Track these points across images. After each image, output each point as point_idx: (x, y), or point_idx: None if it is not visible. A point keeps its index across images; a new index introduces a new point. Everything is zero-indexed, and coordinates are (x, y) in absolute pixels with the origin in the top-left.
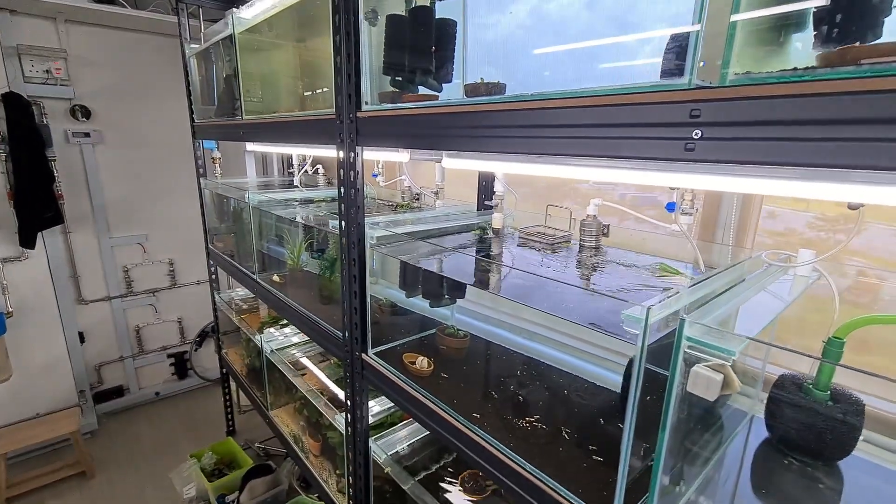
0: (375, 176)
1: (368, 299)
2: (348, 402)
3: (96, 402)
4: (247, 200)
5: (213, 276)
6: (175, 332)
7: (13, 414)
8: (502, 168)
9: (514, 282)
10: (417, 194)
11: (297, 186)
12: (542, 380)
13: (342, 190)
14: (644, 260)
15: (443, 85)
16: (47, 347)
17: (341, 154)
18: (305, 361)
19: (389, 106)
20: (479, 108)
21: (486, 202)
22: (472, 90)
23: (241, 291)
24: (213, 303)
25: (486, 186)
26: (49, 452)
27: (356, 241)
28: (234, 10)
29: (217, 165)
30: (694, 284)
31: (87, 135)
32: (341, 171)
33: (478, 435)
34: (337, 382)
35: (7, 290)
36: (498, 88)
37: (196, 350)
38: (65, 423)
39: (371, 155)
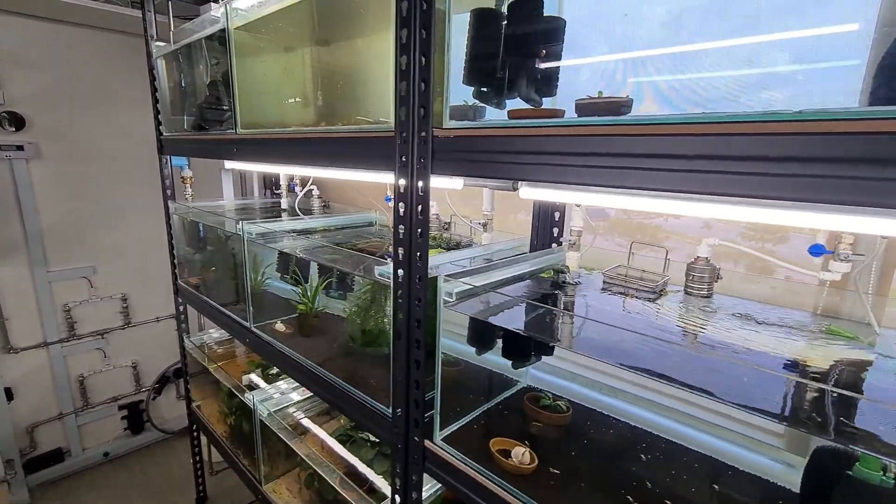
0: (389, 200)
1: (439, 371)
2: (396, 498)
3: (28, 471)
4: (240, 231)
5: (182, 317)
6: (129, 378)
7: None
8: (585, 199)
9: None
10: (447, 224)
11: (285, 210)
12: (674, 465)
13: (402, 229)
14: (789, 316)
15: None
16: None
17: (402, 182)
18: (308, 424)
19: (498, 122)
20: (611, 130)
21: (561, 239)
22: (587, 107)
23: (215, 333)
24: (182, 348)
25: (546, 217)
26: None
27: (420, 297)
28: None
29: (188, 186)
30: None
31: (19, 147)
32: (401, 204)
33: None
34: (371, 464)
35: None
36: (621, 106)
37: (154, 398)
38: None
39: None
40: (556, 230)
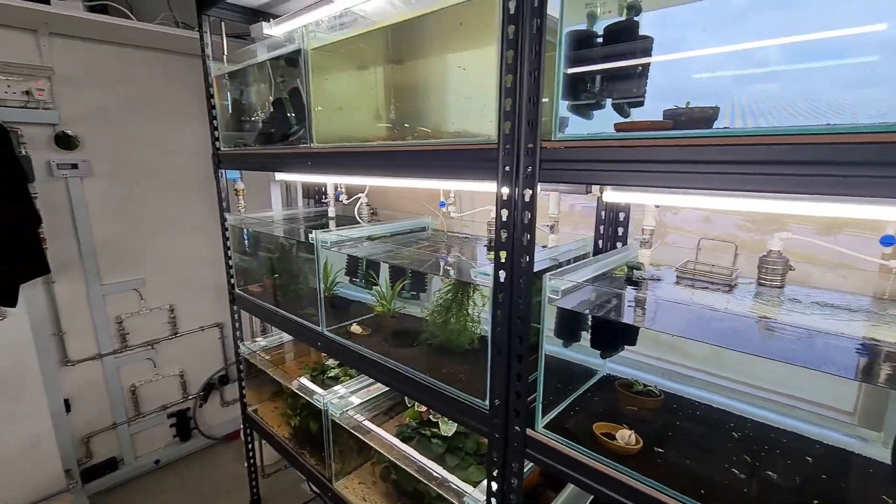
0: (443, 206)
1: (543, 365)
2: (493, 485)
3: (85, 480)
4: (314, 240)
5: (237, 325)
6: (176, 387)
7: None
8: (663, 200)
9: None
10: None
11: (332, 218)
12: (764, 442)
13: (504, 234)
14: (868, 303)
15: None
16: (28, 423)
17: (505, 190)
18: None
19: (607, 134)
20: (705, 141)
21: (635, 237)
22: (675, 116)
23: (262, 341)
24: (237, 354)
25: (612, 219)
26: None
27: (522, 296)
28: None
29: (241, 198)
30: None
31: (74, 166)
32: (504, 210)
33: None
34: (442, 459)
35: None
36: (708, 115)
37: (201, 406)
38: None
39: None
40: (620, 230)
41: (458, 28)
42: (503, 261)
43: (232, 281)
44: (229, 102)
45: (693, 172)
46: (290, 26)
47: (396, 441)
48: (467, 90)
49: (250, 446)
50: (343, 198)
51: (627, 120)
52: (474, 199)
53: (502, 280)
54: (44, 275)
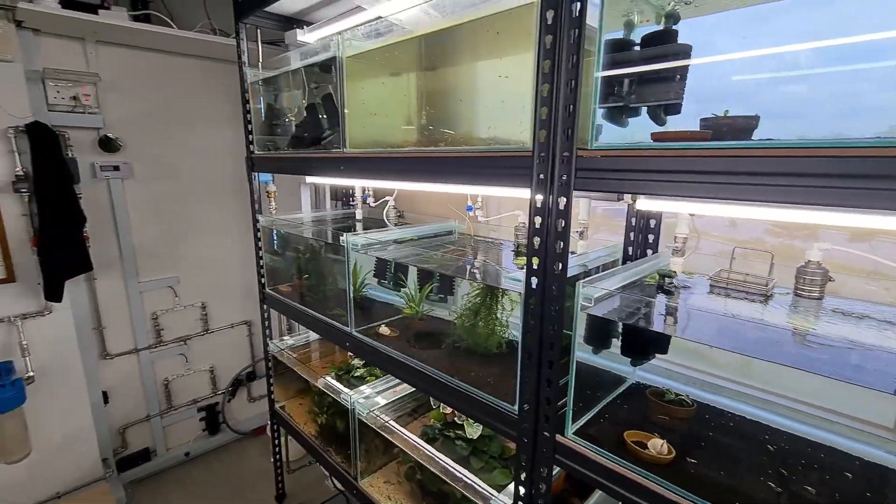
0: (470, 210)
1: (574, 371)
2: (520, 490)
3: (120, 469)
4: (344, 242)
5: (267, 323)
6: (206, 382)
7: (26, 498)
8: (697, 209)
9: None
10: None
11: (359, 220)
12: (801, 456)
13: (537, 241)
14: None
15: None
16: (70, 414)
17: (539, 197)
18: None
19: (651, 144)
20: (743, 152)
21: (668, 245)
22: (713, 125)
23: (289, 339)
24: (266, 352)
25: (642, 225)
26: None
27: (555, 303)
28: (339, 32)
29: (272, 200)
30: None
31: (116, 168)
32: (537, 218)
33: None
34: (467, 461)
35: (28, 352)
36: (747, 124)
37: (229, 401)
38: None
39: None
40: (651, 237)
41: (494, 37)
42: (535, 267)
43: (263, 281)
44: (262, 107)
45: (733, 184)
46: (323, 33)
47: (421, 442)
48: (500, 97)
49: (277, 442)
50: (370, 200)
51: (665, 129)
52: (500, 204)
53: (534, 286)
54: (87, 272)
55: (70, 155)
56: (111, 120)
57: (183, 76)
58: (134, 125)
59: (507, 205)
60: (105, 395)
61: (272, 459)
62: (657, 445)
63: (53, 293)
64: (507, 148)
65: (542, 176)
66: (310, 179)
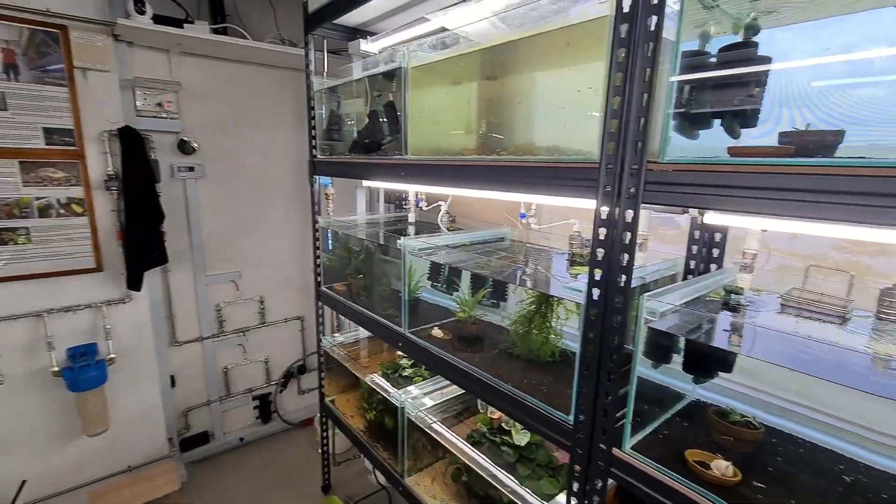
0: (523, 217)
1: (635, 384)
2: (572, 501)
3: (182, 449)
4: (401, 246)
5: (321, 320)
6: (261, 372)
7: (104, 469)
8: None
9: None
10: (587, 241)
11: (411, 224)
12: (883, 492)
13: (601, 252)
14: None
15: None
16: (143, 394)
17: (605, 209)
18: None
19: (727, 160)
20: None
21: (734, 260)
22: (794, 138)
23: (339, 337)
24: (319, 347)
25: (707, 239)
26: None
27: (617, 314)
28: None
29: (330, 202)
30: None
31: (191, 169)
32: (602, 229)
33: None
34: (514, 468)
35: (110, 336)
36: (830, 138)
37: (281, 392)
38: (163, 479)
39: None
40: (716, 251)
41: (563, 48)
42: (597, 278)
43: (319, 279)
44: (324, 114)
45: (817, 202)
46: (386, 43)
47: (466, 445)
48: (563, 107)
49: (325, 434)
50: (422, 204)
51: (742, 144)
52: (553, 212)
53: (595, 297)
54: (163, 264)
55: (153, 157)
56: (188, 124)
57: (251, 84)
58: (207, 129)
59: (560, 213)
60: (172, 379)
61: (320, 451)
62: (721, 467)
63: (134, 282)
64: (572, 158)
65: (608, 188)
66: (366, 183)
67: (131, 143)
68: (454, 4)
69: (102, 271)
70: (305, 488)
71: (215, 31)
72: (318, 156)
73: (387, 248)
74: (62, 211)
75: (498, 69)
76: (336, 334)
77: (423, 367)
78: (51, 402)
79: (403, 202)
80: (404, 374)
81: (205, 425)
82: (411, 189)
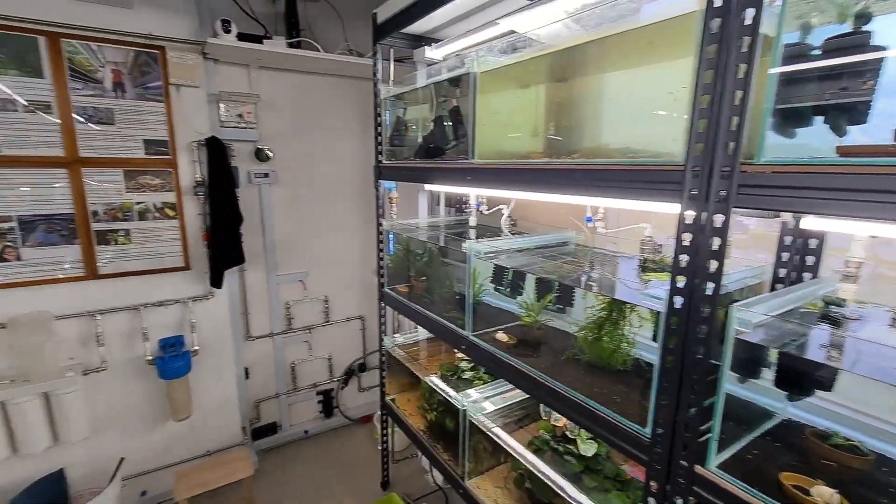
0: (590, 221)
1: (722, 399)
2: None
3: (254, 438)
4: (467, 250)
5: (383, 320)
6: (325, 369)
7: (186, 451)
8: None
9: None
10: (659, 246)
11: (472, 227)
12: None
13: (684, 259)
14: None
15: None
16: (221, 384)
17: (690, 213)
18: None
19: (837, 160)
20: None
21: (836, 270)
22: None
23: (399, 338)
24: (380, 346)
25: (800, 245)
26: (213, 492)
27: (703, 324)
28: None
29: (394, 206)
30: None
31: (265, 175)
32: (687, 234)
33: None
34: (578, 478)
35: (195, 329)
36: None
37: (342, 388)
38: (239, 465)
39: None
40: (810, 258)
41: (643, 47)
42: (681, 286)
43: (382, 280)
44: (389, 119)
45: None
46: (450, 49)
47: (528, 452)
48: (640, 108)
49: (385, 432)
50: (483, 208)
51: (853, 143)
52: (620, 216)
53: (678, 306)
54: (241, 264)
55: (233, 164)
56: (264, 133)
57: (318, 93)
58: (280, 137)
59: (629, 217)
60: (246, 372)
61: (380, 448)
62: (826, 494)
63: (217, 280)
64: (651, 161)
65: (694, 191)
66: (427, 187)
67: (217, 152)
68: (523, 8)
69: (189, 270)
70: (365, 483)
71: (290, 45)
72: (384, 161)
73: (450, 251)
74: (157, 214)
75: (570, 71)
76: (396, 335)
77: (485, 370)
78: (145, 388)
79: (464, 206)
80: (464, 376)
81: (273, 416)
82: (473, 193)
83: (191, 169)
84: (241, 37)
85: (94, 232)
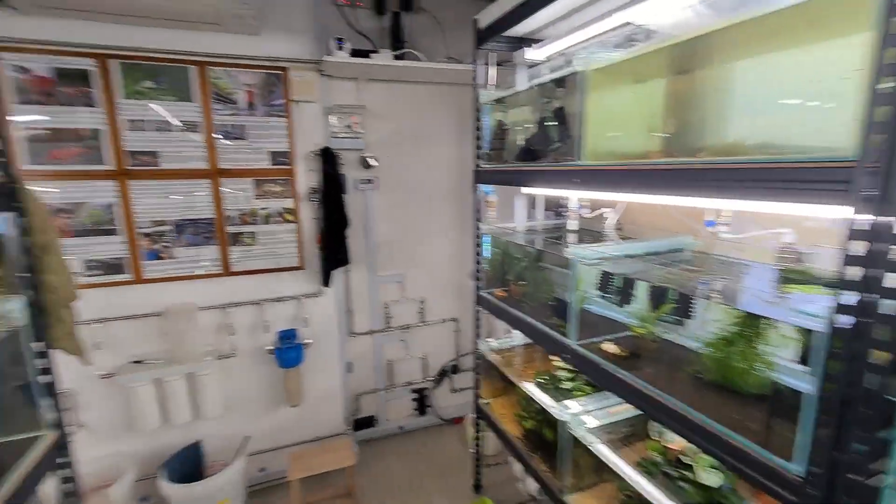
0: (711, 225)
1: None
2: None
3: (354, 429)
4: (570, 255)
5: (479, 323)
6: (419, 368)
7: (297, 436)
8: None
9: None
10: (799, 255)
11: (574, 232)
12: None
13: (855, 272)
14: None
15: None
16: (328, 376)
17: (863, 218)
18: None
19: None
20: None
21: None
22: None
23: (493, 342)
24: (476, 350)
25: None
26: (319, 475)
27: (881, 348)
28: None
29: (491, 209)
30: None
31: (369, 181)
32: (859, 243)
33: None
34: None
35: (308, 323)
36: None
37: (435, 388)
38: (344, 453)
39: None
40: None
41: (800, 25)
42: (847, 303)
43: (479, 284)
44: (489, 124)
45: None
46: (552, 49)
47: (636, 474)
48: (785, 98)
49: (478, 435)
50: (583, 211)
51: None
52: (745, 221)
53: (844, 326)
54: (346, 265)
55: (341, 172)
56: (368, 142)
57: (419, 101)
58: (382, 146)
59: (755, 222)
60: (349, 366)
61: (472, 451)
62: None
63: (326, 280)
64: (804, 158)
65: (870, 191)
66: (524, 190)
67: (329, 161)
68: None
69: (303, 269)
70: (456, 483)
71: (396, 57)
72: (482, 165)
73: (552, 255)
74: (278, 219)
75: (695, 62)
76: (489, 339)
77: (591, 382)
78: (266, 375)
79: (563, 209)
80: (562, 386)
81: (372, 410)
82: (575, 196)
83: (306, 177)
84: (353, 53)
85: (228, 234)
